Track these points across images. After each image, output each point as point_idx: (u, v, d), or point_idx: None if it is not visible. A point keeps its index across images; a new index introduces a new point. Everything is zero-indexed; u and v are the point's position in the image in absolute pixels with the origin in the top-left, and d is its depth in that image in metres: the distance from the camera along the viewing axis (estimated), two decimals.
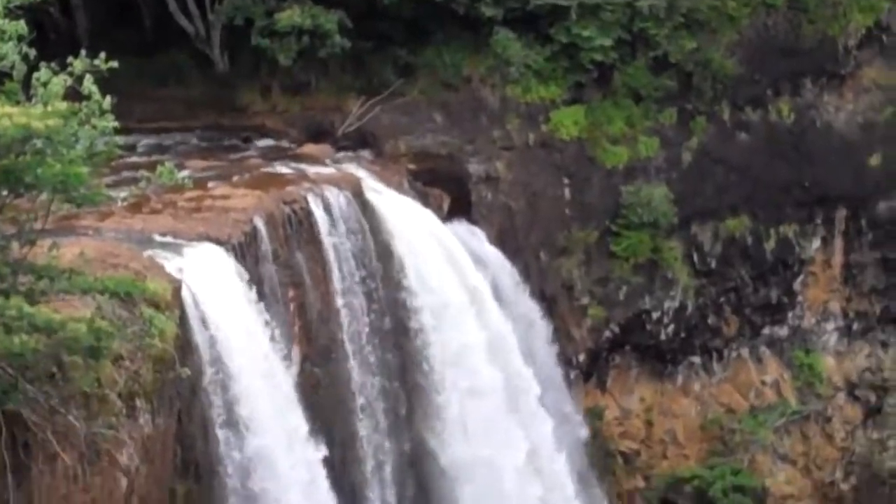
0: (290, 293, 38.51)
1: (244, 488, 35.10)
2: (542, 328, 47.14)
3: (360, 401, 39.55)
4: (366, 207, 41.18)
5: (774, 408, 53.99)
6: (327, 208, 40.08)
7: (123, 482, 32.27)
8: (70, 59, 29.25)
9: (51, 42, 31.18)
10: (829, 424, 54.90)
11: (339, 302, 39.58)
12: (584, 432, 48.75)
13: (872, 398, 55.29)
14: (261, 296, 36.84)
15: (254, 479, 35.20)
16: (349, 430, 39.29)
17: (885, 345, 55.33)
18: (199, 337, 34.31)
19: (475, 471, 41.93)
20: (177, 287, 33.84)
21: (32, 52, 28.90)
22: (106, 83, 29.42)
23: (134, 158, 36.98)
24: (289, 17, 46.40)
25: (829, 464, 54.66)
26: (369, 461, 39.65)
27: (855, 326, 55.02)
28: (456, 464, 42.01)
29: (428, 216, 43.50)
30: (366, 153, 45.72)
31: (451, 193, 45.86)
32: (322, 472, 36.49)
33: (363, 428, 39.68)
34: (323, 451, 36.65)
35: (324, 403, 38.21)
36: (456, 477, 41.87)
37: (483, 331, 42.70)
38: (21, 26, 28.64)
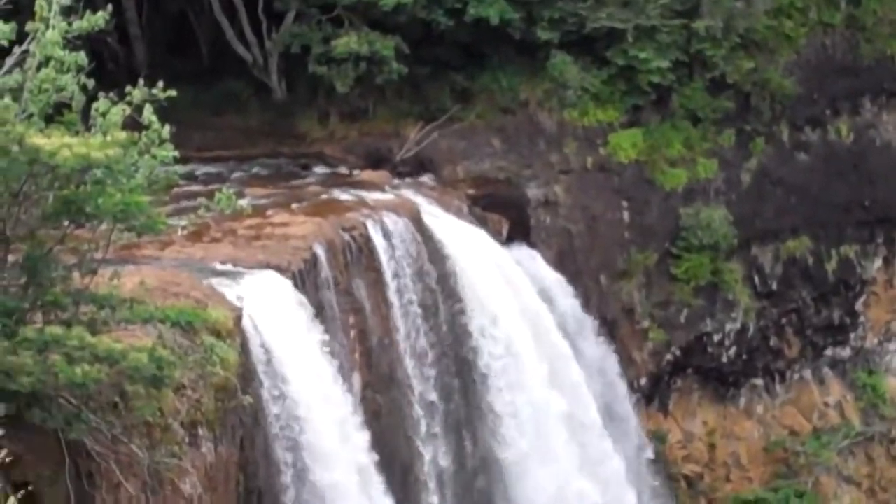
0: (351, 320, 38.48)
1: (310, 499, 35.09)
2: (600, 346, 46.97)
3: (423, 427, 39.45)
4: (425, 233, 41.12)
5: (838, 429, 53.73)
6: (386, 234, 40.07)
7: None
8: (128, 88, 29.25)
9: (109, 72, 31.25)
10: (894, 446, 54.59)
11: (400, 328, 39.48)
12: (649, 454, 48.59)
13: None
14: (321, 323, 36.80)
15: (320, 489, 35.18)
16: (410, 455, 39.19)
17: None
18: (260, 362, 34.30)
19: (532, 478, 41.77)
20: (238, 315, 33.81)
21: (91, 83, 28.90)
22: (164, 112, 29.41)
23: (193, 187, 36.98)
24: (346, 44, 46.45)
25: (895, 485, 54.35)
26: (428, 486, 39.55)
27: None
28: (515, 451, 41.80)
29: (487, 241, 43.43)
30: (424, 179, 45.72)
31: (510, 218, 45.83)
32: (382, 482, 36.46)
33: (424, 454, 39.58)
34: (384, 477, 36.65)
35: (383, 412, 38.15)
36: (510, 472, 41.66)
37: (536, 341, 42.54)
38: (80, 57, 28.63)
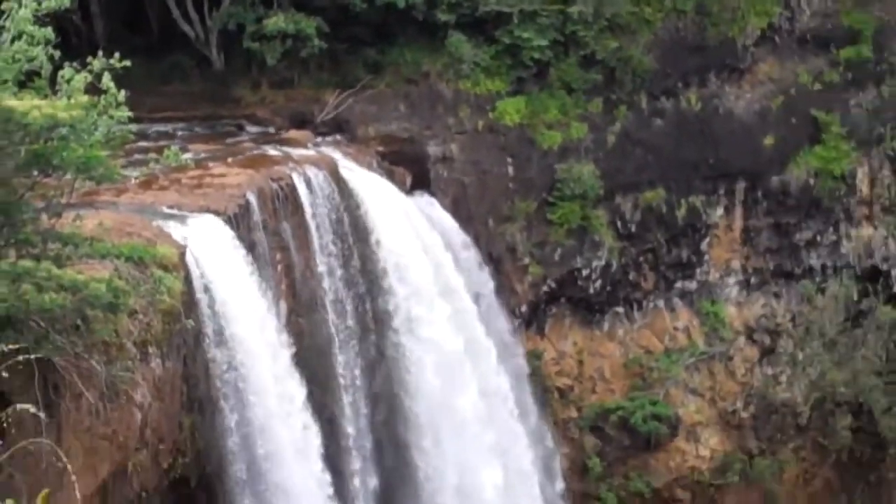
0: (278, 256, 38.43)
1: (242, 418, 35.12)
2: (488, 281, 47.07)
3: (335, 333, 39.52)
4: (341, 183, 41.07)
5: (685, 349, 54.04)
6: (308, 184, 39.98)
7: (138, 416, 32.22)
8: (90, 59, 29.13)
9: (73, 45, 31.04)
10: (731, 363, 54.97)
11: (319, 263, 39.49)
12: (525, 369, 48.75)
13: (767, 340, 55.37)
14: (253, 258, 36.81)
15: (249, 411, 35.22)
16: (328, 370, 39.21)
17: (777, 296, 55.43)
18: (200, 292, 34.31)
19: (429, 387, 41.81)
20: (182, 252, 33.76)
21: (57, 54, 28.78)
22: (120, 80, 29.31)
23: (144, 143, 36.77)
24: (274, 23, 46.29)
25: (731, 396, 54.77)
26: (344, 393, 39.62)
27: (752, 280, 55.07)
28: (416, 391, 41.89)
29: (394, 190, 43.43)
30: (340, 138, 45.57)
31: (412, 171, 45.78)
32: (304, 392, 36.55)
33: (339, 355, 39.61)
34: (305, 388, 36.70)
35: (305, 334, 38.17)
36: (411, 384, 41.74)
37: (434, 275, 42.62)
38: (48, 32, 28.50)
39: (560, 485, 49.08)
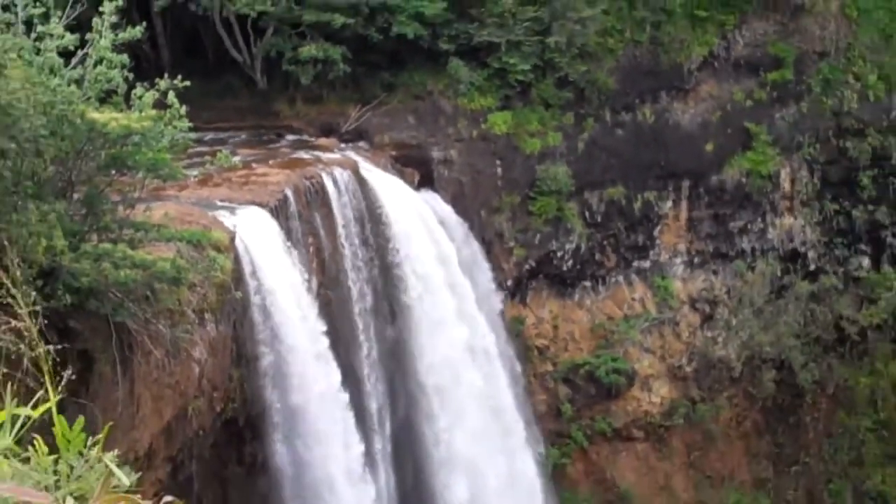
0: (310, 240, 38.48)
1: (279, 371, 35.26)
2: (482, 261, 47.15)
3: (357, 304, 39.60)
4: (361, 181, 41.13)
5: (640, 316, 54.11)
6: (335, 182, 40.03)
7: (196, 370, 32.30)
8: (157, 80, 29.14)
9: (143, 69, 31.11)
10: (677, 327, 55.06)
11: (343, 246, 39.56)
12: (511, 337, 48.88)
13: (707, 309, 55.45)
14: (290, 241, 36.90)
15: (285, 365, 35.35)
16: (349, 324, 39.29)
17: (715, 273, 55.46)
18: (247, 269, 34.41)
19: (433, 349, 41.90)
20: (232, 236, 33.84)
21: (131, 76, 28.81)
22: (182, 97, 29.34)
23: (201, 148, 36.79)
24: (307, 50, 46.24)
25: (678, 353, 54.86)
26: (363, 350, 39.70)
27: (695, 260, 55.12)
28: (421, 346, 41.94)
29: (404, 186, 43.48)
30: (361, 144, 45.62)
31: (419, 171, 45.77)
32: (331, 355, 36.63)
33: (359, 320, 39.70)
34: (332, 347, 36.82)
35: (332, 305, 38.26)
36: (418, 346, 41.85)
37: (438, 257, 42.71)
38: (123, 58, 28.53)
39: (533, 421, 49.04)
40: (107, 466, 4.16)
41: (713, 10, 52.54)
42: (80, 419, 4.84)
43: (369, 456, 38.58)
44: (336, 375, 36.98)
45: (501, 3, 48.21)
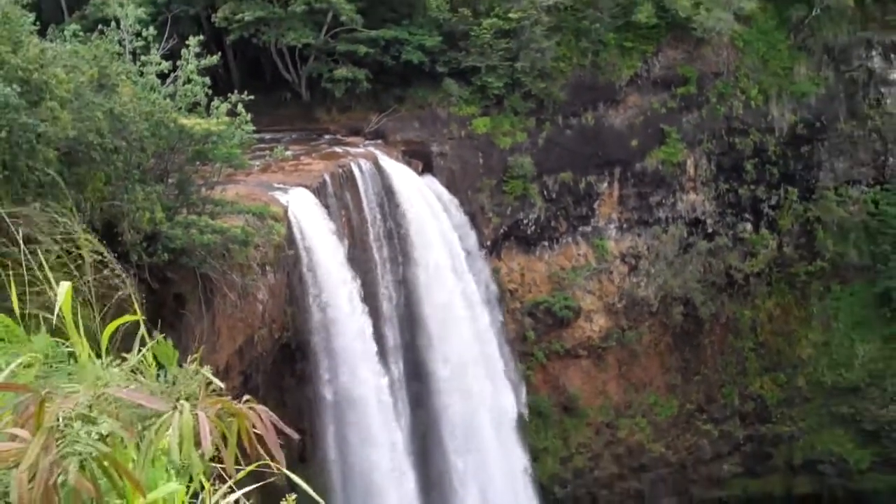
0: (342, 213, 38.45)
1: (320, 307, 35.27)
2: (468, 227, 47.10)
3: (377, 260, 39.58)
4: (380, 168, 41.05)
5: (584, 267, 54.07)
6: (361, 169, 39.93)
7: (260, 308, 32.33)
8: (229, 95, 29.05)
9: (218, 87, 31.12)
10: (611, 275, 55.06)
11: (368, 217, 39.50)
12: (491, 283, 48.85)
13: (633, 262, 55.43)
14: (327, 213, 36.83)
15: (326, 304, 35.38)
16: (372, 275, 39.30)
17: (639, 235, 55.37)
18: (297, 234, 34.36)
19: (435, 294, 41.91)
20: (285, 209, 33.83)
21: (209, 92, 28.74)
22: (247, 107, 29.29)
23: (262, 145, 36.74)
24: (340, 72, 46.06)
25: (611, 294, 54.91)
26: (383, 295, 39.71)
27: (624, 226, 55.02)
28: (426, 291, 41.94)
29: (411, 173, 43.40)
30: (379, 142, 45.52)
31: (422, 162, 45.63)
32: (359, 298, 36.63)
33: (379, 272, 39.70)
34: (359, 285, 36.80)
35: (360, 264, 38.25)
36: (424, 291, 41.83)
37: (437, 225, 42.65)
38: (205, 80, 28.47)
39: (506, 347, 49.06)
40: (204, 376, 4.17)
41: (637, 41, 52.30)
42: (170, 341, 4.83)
43: (387, 372, 38.68)
44: (362, 311, 37.04)
45: (482, 37, 48.00)
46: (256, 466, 4.25)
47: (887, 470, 56.50)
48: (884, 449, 56.52)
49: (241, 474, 4.28)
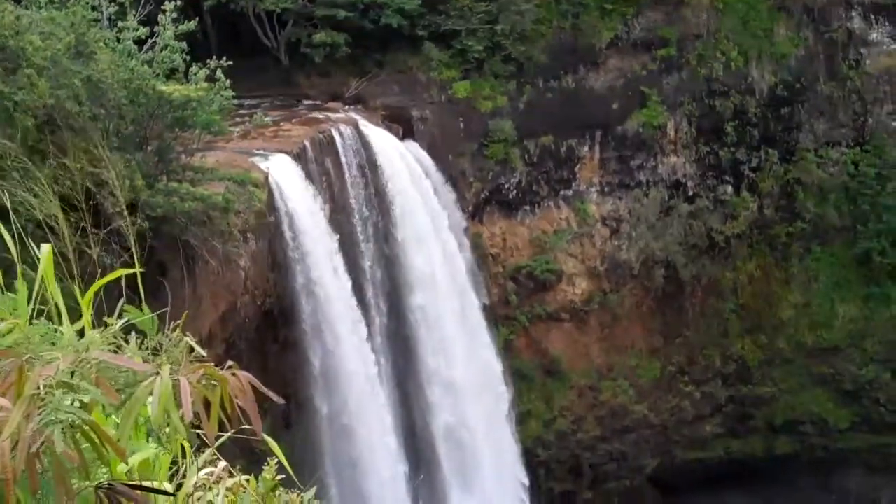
0: (323, 178, 38.34)
1: (305, 275, 35.25)
2: (450, 192, 46.93)
3: (359, 225, 39.46)
4: (360, 133, 40.89)
5: (566, 231, 54.09)
6: (341, 135, 39.78)
7: (242, 275, 32.30)
8: (208, 61, 28.88)
9: (196, 53, 30.77)
10: (593, 238, 55.11)
11: (348, 182, 39.41)
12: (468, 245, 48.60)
13: (614, 225, 55.48)
14: (308, 179, 36.71)
15: (309, 270, 35.33)
16: (354, 240, 39.22)
17: (620, 198, 55.36)
18: (278, 200, 34.25)
19: (416, 258, 41.76)
20: (266, 176, 33.70)
21: (188, 58, 28.56)
22: (226, 73, 29.14)
23: (242, 111, 36.54)
24: (319, 37, 45.82)
25: (593, 258, 55.00)
26: (364, 257, 39.63)
27: (605, 189, 54.98)
28: (406, 242, 41.74)
29: (391, 138, 43.25)
30: (359, 107, 45.34)
31: (403, 127, 45.44)
32: (341, 260, 36.61)
33: (361, 237, 39.58)
34: (342, 256, 36.77)
35: (341, 229, 38.14)
36: (405, 255, 41.74)
37: (418, 190, 42.51)
38: (182, 45, 28.28)
39: (485, 300, 48.98)
40: (187, 343, 4.16)
41: (617, 3, 52.17)
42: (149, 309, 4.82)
43: (370, 335, 38.70)
44: (345, 275, 37.02)
45: (462, 0, 47.79)
46: (236, 433, 4.26)
47: (866, 429, 57.07)
48: (863, 408, 57.05)
49: (220, 441, 4.29)
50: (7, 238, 4.70)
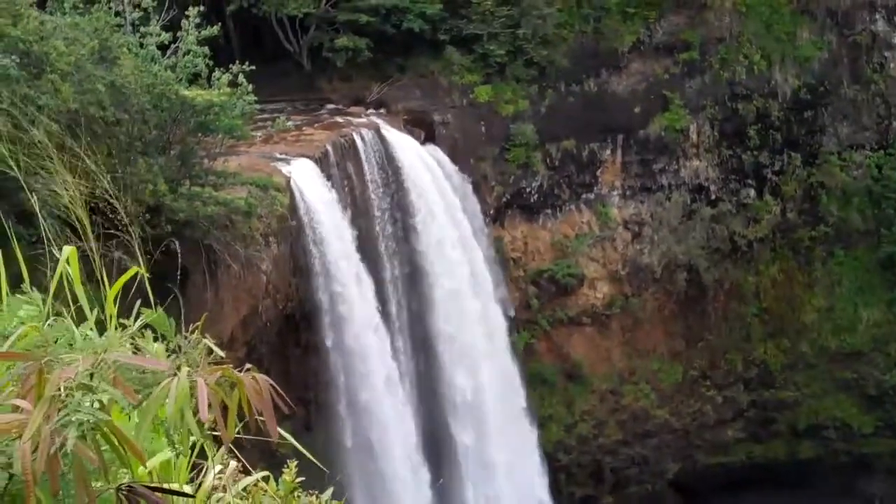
0: (345, 183, 38.40)
1: (325, 278, 35.28)
2: (472, 196, 46.87)
3: (381, 229, 39.45)
4: (382, 137, 40.92)
5: (588, 234, 54.01)
6: (363, 139, 39.81)
7: (264, 279, 32.39)
8: (231, 66, 28.97)
9: (219, 58, 30.83)
10: (615, 242, 55.02)
11: (370, 186, 39.43)
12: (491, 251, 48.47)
13: (636, 229, 55.37)
14: (330, 183, 36.79)
15: (330, 273, 35.37)
16: (376, 244, 39.19)
17: (642, 202, 55.27)
18: (300, 204, 34.32)
19: (437, 253, 41.76)
20: (288, 180, 33.79)
21: (210, 63, 28.66)
22: (249, 78, 29.22)
23: (264, 116, 36.63)
24: (341, 42, 45.90)
25: (615, 262, 54.91)
26: (386, 264, 39.67)
27: (627, 193, 54.90)
28: (428, 247, 41.76)
29: (413, 142, 43.28)
30: (381, 111, 45.37)
31: (425, 131, 45.50)
32: (362, 264, 36.67)
33: (382, 241, 39.54)
34: (363, 260, 36.80)
35: (362, 230, 38.04)
36: (427, 252, 41.66)
37: (440, 194, 42.51)
38: (205, 50, 28.38)
39: (511, 311, 49.02)
40: (206, 345, 4.18)
41: (640, 7, 52.09)
42: (163, 313, 4.84)
43: (392, 340, 38.71)
44: (367, 279, 37.06)
45: (483, 4, 47.82)
46: (255, 435, 4.27)
47: (890, 434, 56.66)
48: (887, 413, 56.66)
49: (232, 440, 4.30)
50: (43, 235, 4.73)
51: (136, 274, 5.10)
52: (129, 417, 4.35)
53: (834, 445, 57.24)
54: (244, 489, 4.81)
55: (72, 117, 21.02)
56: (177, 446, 4.09)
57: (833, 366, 57.05)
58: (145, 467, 4.05)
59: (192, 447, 4.56)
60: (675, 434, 56.16)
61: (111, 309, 4.66)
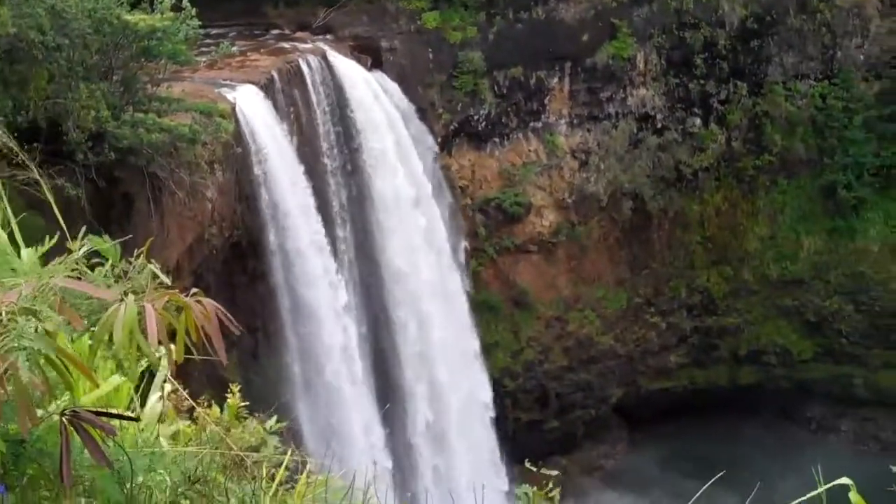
0: (291, 109, 38.03)
1: (272, 204, 35.12)
2: (419, 123, 46.64)
3: (326, 155, 39.21)
4: (328, 64, 40.51)
5: (535, 163, 53.97)
6: (309, 65, 39.37)
7: (209, 206, 32.17)
8: None
9: None
10: (562, 170, 55.04)
11: (316, 112, 39.10)
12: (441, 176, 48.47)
13: (583, 157, 55.38)
14: (276, 110, 36.44)
15: (276, 199, 35.20)
16: (321, 170, 38.97)
17: (589, 130, 55.23)
18: (245, 131, 34.00)
19: (385, 187, 41.58)
20: (233, 106, 33.41)
21: None
22: (193, 2, 28.75)
23: (208, 41, 36.03)
24: None
25: (561, 190, 54.97)
26: (332, 190, 39.45)
27: (574, 122, 54.82)
28: (375, 188, 41.61)
29: (360, 68, 42.88)
30: (328, 37, 44.82)
31: (372, 57, 45.06)
32: (309, 189, 36.50)
33: (329, 169, 39.33)
34: (309, 182, 36.58)
35: (308, 158, 37.85)
36: (373, 186, 41.53)
37: (387, 123, 42.21)
38: None
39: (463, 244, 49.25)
40: (152, 271, 4.18)
41: None
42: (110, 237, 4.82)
43: (339, 264, 38.71)
44: (313, 208, 36.90)
45: None
46: (203, 357, 4.30)
47: (828, 360, 57.92)
48: (825, 339, 57.86)
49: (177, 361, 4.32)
50: None
51: (81, 201, 5.07)
52: (72, 341, 4.35)
53: (774, 371, 58.43)
54: (192, 416, 4.85)
55: (10, 42, 20.57)
56: (126, 370, 4.11)
57: (774, 293, 58.02)
58: (97, 387, 4.06)
59: (141, 377, 4.58)
60: (619, 360, 56.96)
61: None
